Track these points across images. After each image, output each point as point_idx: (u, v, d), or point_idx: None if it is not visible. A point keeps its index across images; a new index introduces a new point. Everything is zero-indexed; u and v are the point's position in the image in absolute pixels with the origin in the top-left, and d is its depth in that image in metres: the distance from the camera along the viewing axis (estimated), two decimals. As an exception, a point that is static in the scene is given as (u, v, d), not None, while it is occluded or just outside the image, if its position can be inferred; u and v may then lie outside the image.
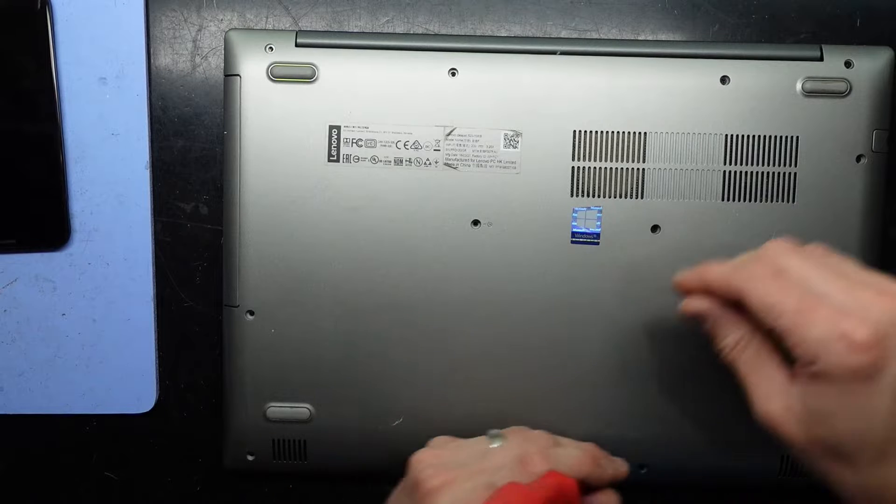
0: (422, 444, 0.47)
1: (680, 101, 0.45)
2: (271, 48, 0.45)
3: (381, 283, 0.45)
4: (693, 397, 0.46)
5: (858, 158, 0.45)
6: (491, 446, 0.42)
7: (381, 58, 0.45)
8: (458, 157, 0.45)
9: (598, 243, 0.45)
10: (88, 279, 0.48)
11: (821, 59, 0.45)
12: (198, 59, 0.49)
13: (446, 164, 0.45)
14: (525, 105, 0.45)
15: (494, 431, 0.43)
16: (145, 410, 0.50)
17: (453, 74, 0.45)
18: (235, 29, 0.46)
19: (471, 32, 0.48)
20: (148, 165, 0.48)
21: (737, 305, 0.37)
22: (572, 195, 0.45)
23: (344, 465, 0.48)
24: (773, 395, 0.34)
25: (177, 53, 0.48)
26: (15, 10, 0.46)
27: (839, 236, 0.45)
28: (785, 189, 0.45)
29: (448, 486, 0.39)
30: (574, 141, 0.45)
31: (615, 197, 0.45)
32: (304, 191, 0.45)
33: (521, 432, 0.44)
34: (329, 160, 0.45)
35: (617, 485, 0.43)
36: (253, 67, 0.45)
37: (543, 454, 0.40)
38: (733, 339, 0.37)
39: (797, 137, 0.45)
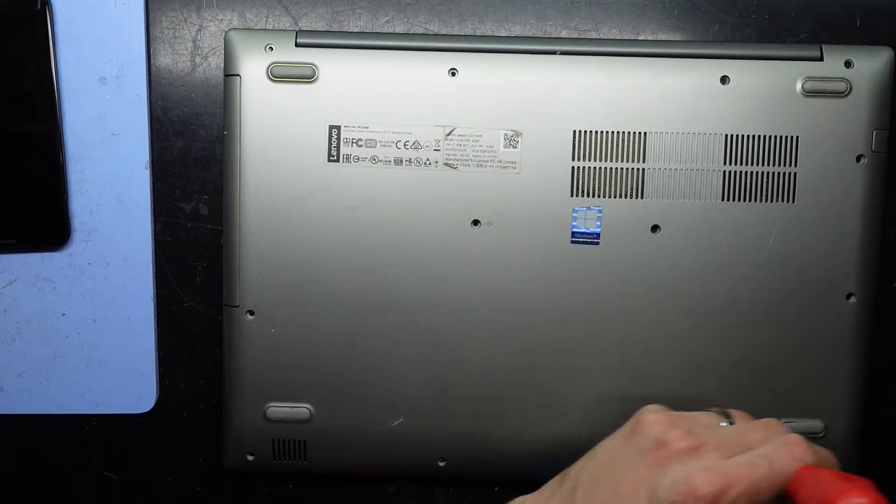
0: (422, 444, 0.47)
1: (680, 101, 0.45)
2: (271, 48, 0.45)
3: (381, 283, 0.45)
4: (693, 397, 0.46)
5: (858, 158, 0.45)
6: (721, 423, 0.41)
7: (381, 58, 0.45)
8: (458, 157, 0.45)
9: (598, 243, 0.45)
10: (88, 279, 0.48)
11: (821, 59, 0.45)
12: (198, 59, 0.49)
13: (446, 164, 0.45)
14: (525, 105, 0.45)
15: (718, 409, 0.42)
16: (145, 410, 0.50)
17: (453, 74, 0.45)
18: (235, 29, 0.46)
19: (471, 32, 0.48)
20: (148, 165, 0.48)
21: None
22: (572, 195, 0.45)
23: (344, 465, 0.48)
24: None
25: (177, 53, 0.48)
26: (15, 10, 0.46)
27: (839, 236, 0.45)
28: (785, 189, 0.45)
29: (697, 450, 0.38)
30: (574, 141, 0.45)
31: (615, 197, 0.45)
32: (304, 191, 0.45)
33: (745, 415, 0.42)
34: (329, 160, 0.45)
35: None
36: (253, 67, 0.45)
37: (811, 447, 0.38)
38: None
39: (797, 137, 0.45)
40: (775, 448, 0.37)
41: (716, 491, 0.36)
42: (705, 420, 0.41)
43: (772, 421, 0.40)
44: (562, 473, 0.42)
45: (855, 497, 0.34)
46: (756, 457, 0.37)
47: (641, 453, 0.39)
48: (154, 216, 0.49)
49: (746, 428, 0.40)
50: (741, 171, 0.45)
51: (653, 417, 0.40)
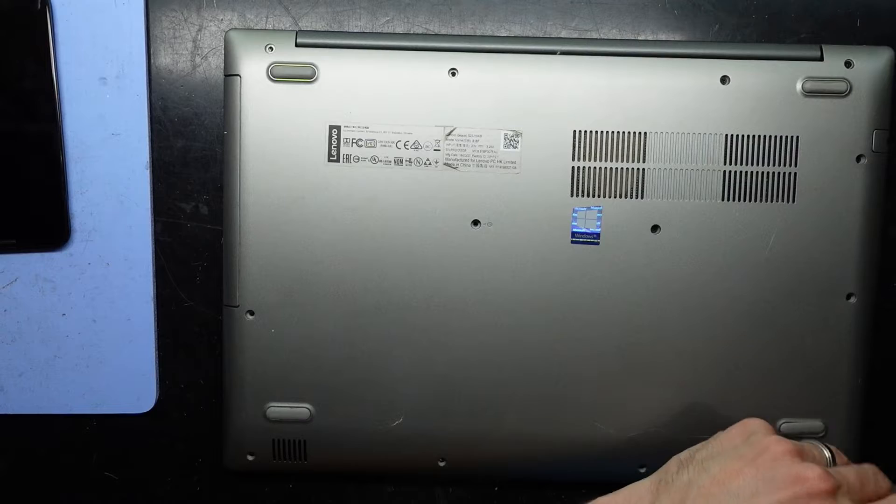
0: (422, 444, 0.47)
1: (680, 101, 0.45)
2: (271, 48, 0.45)
3: (381, 283, 0.45)
4: (693, 397, 0.46)
5: (858, 158, 0.45)
6: (825, 452, 0.40)
7: (381, 58, 0.45)
8: (458, 157, 0.45)
9: (598, 243, 0.45)
10: (88, 279, 0.48)
11: (821, 59, 0.45)
12: (198, 59, 0.49)
13: (446, 164, 0.45)
14: (525, 105, 0.45)
15: (813, 440, 0.41)
16: (145, 410, 0.50)
17: (453, 74, 0.45)
18: (235, 29, 0.46)
19: (471, 32, 0.48)
20: (148, 165, 0.48)
21: None
22: (572, 195, 0.45)
23: (344, 465, 0.48)
24: None
25: (177, 53, 0.48)
26: (15, 10, 0.46)
27: (839, 236, 0.45)
28: (785, 189, 0.45)
29: (834, 493, 0.37)
30: (574, 141, 0.45)
31: (615, 197, 0.45)
32: (304, 191, 0.45)
33: (838, 450, 0.42)
34: (329, 160, 0.45)
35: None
36: (253, 67, 0.45)
37: None
38: None
39: (797, 137, 0.45)
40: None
41: None
42: (815, 452, 0.40)
43: (872, 466, 0.40)
44: (657, 480, 0.40)
45: None
46: None
47: (776, 486, 0.37)
48: (154, 216, 0.49)
49: (860, 470, 0.39)
50: (741, 171, 0.45)
51: (781, 447, 0.38)
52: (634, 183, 0.45)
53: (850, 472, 0.39)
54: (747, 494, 0.37)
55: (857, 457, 0.47)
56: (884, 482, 0.39)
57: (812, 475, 0.37)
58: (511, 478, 0.50)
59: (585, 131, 0.45)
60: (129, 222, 0.48)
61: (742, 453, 0.39)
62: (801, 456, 0.38)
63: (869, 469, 0.39)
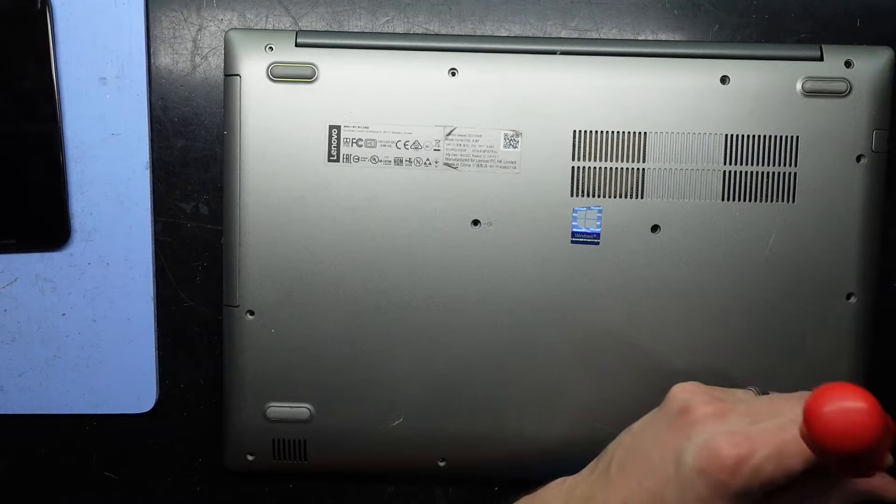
0: (422, 444, 0.47)
1: (680, 101, 0.45)
2: (271, 48, 0.45)
3: (381, 283, 0.45)
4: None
5: (858, 158, 0.45)
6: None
7: (381, 58, 0.45)
8: (458, 157, 0.45)
9: (598, 243, 0.45)
10: (88, 279, 0.48)
11: (821, 59, 0.45)
12: (198, 59, 0.49)
13: (446, 164, 0.45)
14: (525, 105, 0.45)
15: (756, 389, 0.41)
16: (145, 410, 0.50)
17: (453, 74, 0.45)
18: (235, 29, 0.46)
19: (471, 32, 0.48)
20: (148, 165, 0.48)
21: None
22: (572, 195, 0.45)
23: (344, 465, 0.48)
24: None
25: (177, 53, 0.48)
26: (15, 10, 0.46)
27: (839, 236, 0.45)
28: (785, 189, 0.45)
29: (724, 416, 0.36)
30: (574, 141, 0.45)
31: (615, 197, 0.45)
32: (304, 191, 0.45)
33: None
34: (329, 160, 0.45)
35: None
36: (253, 67, 0.45)
37: None
38: None
39: (797, 137, 0.45)
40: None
41: (740, 454, 0.34)
42: (739, 393, 0.40)
43: (807, 393, 0.39)
44: (602, 452, 0.42)
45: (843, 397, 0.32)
46: (786, 420, 0.35)
47: (669, 421, 0.38)
48: (154, 216, 0.49)
49: (780, 398, 0.38)
50: (741, 171, 0.45)
51: (683, 385, 0.39)
52: (634, 183, 0.45)
53: (759, 400, 0.39)
54: (652, 439, 0.38)
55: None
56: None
57: (697, 402, 0.37)
58: (511, 478, 0.50)
59: (585, 131, 0.45)
60: (129, 222, 0.48)
61: (660, 407, 0.40)
62: (701, 391, 0.39)
63: (796, 394, 0.39)
